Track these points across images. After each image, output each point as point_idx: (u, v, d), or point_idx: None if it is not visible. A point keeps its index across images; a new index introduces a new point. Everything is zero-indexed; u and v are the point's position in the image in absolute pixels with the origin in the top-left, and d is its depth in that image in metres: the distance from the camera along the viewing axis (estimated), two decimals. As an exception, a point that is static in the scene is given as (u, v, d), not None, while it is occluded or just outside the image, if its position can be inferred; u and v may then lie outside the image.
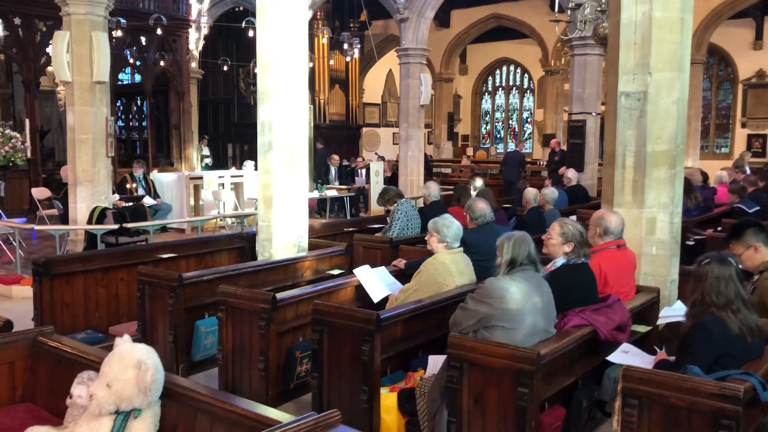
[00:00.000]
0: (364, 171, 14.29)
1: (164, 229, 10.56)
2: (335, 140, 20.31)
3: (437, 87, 22.47)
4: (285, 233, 6.63)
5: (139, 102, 19.23)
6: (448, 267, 4.63)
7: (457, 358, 3.36)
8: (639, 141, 4.72)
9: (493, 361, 3.26)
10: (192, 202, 12.23)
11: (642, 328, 4.44)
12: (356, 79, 21.11)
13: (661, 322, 4.15)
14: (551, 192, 7.67)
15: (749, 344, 3.14)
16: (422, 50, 13.89)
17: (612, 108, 4.87)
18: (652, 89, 4.65)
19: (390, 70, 23.35)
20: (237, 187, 12.89)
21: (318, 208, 13.38)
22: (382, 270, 5.27)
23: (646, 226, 4.76)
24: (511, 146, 25.73)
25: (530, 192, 7.53)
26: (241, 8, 18.07)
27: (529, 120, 25.09)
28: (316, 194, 11.95)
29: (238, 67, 19.75)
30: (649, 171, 4.71)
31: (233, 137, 20.62)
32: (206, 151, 18.92)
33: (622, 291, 4.36)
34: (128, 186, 11.54)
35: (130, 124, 20.00)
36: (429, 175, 20.12)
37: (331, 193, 12.62)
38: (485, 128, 26.66)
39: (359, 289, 5.15)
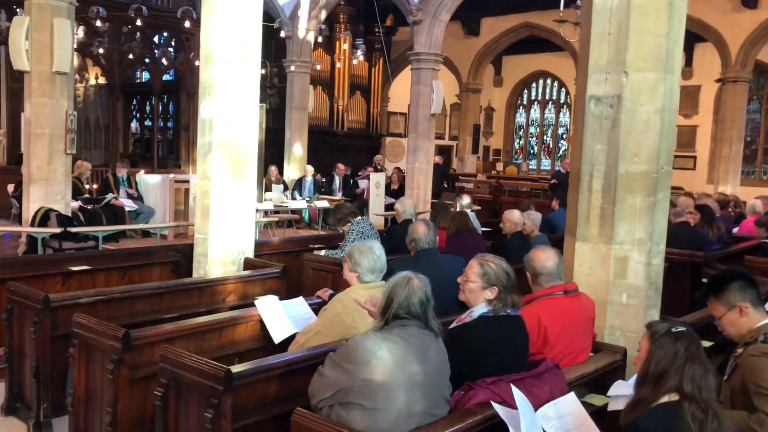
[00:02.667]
0: (366, 182, 13.37)
1: (124, 234, 9.74)
2: (352, 149, 19.48)
3: (464, 97, 21.50)
4: (223, 248, 5.81)
5: (154, 101, 18.74)
6: (359, 305, 3.68)
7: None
8: (610, 159, 3.70)
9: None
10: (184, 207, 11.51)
11: (598, 400, 3.42)
12: (379, 87, 20.25)
13: (611, 405, 3.12)
14: (536, 216, 6.64)
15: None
16: (435, 55, 12.96)
17: (581, 117, 3.87)
18: (628, 93, 3.64)
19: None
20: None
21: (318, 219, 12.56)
22: (297, 302, 4.36)
23: (614, 267, 3.73)
24: (546, 163, 24.68)
25: (514, 214, 6.51)
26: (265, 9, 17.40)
27: (564, 136, 23.86)
28: (303, 204, 11.07)
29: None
30: (621, 197, 3.69)
31: (248, 141, 19.93)
32: None
33: (570, 351, 3.36)
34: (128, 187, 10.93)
35: (145, 123, 19.54)
36: (452, 189, 19.15)
37: (322, 204, 11.73)
38: (518, 143, 25.53)
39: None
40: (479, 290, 3.00)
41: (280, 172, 15.00)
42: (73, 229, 7.34)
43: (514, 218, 6.53)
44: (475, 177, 19.26)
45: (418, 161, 13.03)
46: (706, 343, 4.50)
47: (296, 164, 15.10)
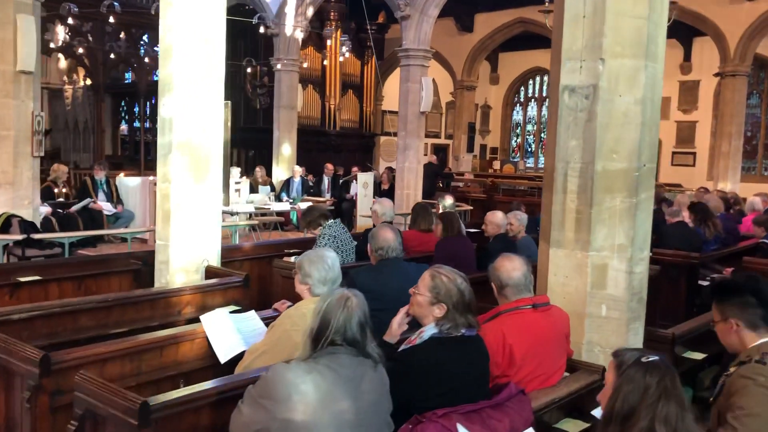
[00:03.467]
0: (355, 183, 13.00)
1: (102, 239, 9.37)
2: (346, 149, 19.11)
3: (458, 95, 21.11)
4: (186, 255, 5.44)
5: (143, 102, 18.38)
6: (309, 321, 3.31)
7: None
8: (585, 155, 3.33)
9: None
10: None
11: (573, 426, 3.05)
12: (372, 85, 19.86)
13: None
14: (522, 216, 6.26)
15: None
16: (424, 51, 12.58)
17: (555, 110, 3.49)
18: (604, 82, 3.26)
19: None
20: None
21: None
22: (249, 316, 3.99)
23: (592, 276, 3.36)
24: (543, 161, 24.25)
25: (496, 215, 6.13)
26: (249, 6, 17.06)
27: (561, 133, 23.44)
28: (286, 206, 10.70)
29: (245, 69, 18.74)
30: (599, 198, 3.31)
31: (239, 142, 19.56)
32: None
33: (540, 372, 2.98)
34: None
35: (134, 125, 19.20)
36: (448, 189, 18.77)
37: (306, 205, 11.32)
38: (516, 141, 25.15)
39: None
40: (427, 305, 2.64)
41: (269, 173, 14.65)
42: (36, 236, 6.98)
43: (496, 219, 6.15)
44: (484, 176, 18.85)
45: (407, 160, 12.66)
46: (699, 356, 4.15)
47: (285, 165, 14.74)
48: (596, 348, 3.39)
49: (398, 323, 2.82)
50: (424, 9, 12.43)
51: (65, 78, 20.60)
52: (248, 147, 19.14)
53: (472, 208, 13.77)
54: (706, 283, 6.80)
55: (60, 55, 16.77)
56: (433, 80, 23.51)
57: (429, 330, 2.61)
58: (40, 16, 8.21)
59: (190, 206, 5.43)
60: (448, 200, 7.17)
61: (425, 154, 22.86)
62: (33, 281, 5.19)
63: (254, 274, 5.92)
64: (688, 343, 4.00)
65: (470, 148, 21.77)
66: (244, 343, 3.71)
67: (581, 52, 3.32)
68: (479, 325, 2.68)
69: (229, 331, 3.78)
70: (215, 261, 5.59)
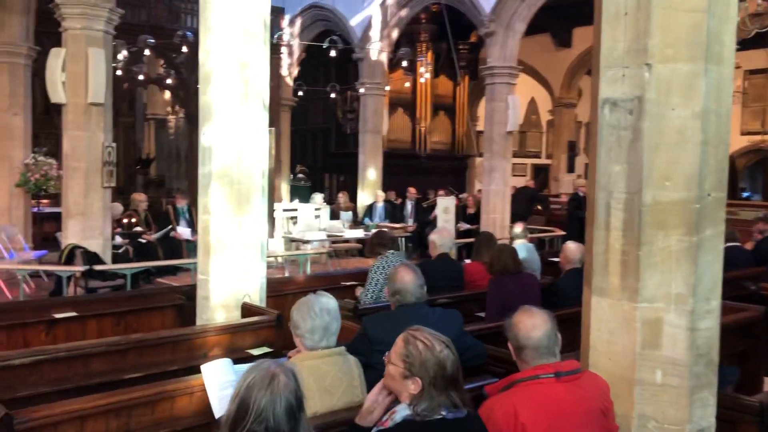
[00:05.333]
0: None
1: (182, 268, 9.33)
2: (437, 171, 18.64)
3: (557, 113, 20.17)
4: (226, 290, 5.19)
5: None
6: (302, 381, 2.85)
7: None
8: (631, 184, 2.69)
9: None
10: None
11: None
12: (465, 105, 19.32)
13: None
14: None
15: None
16: (510, 68, 11.95)
17: (595, 128, 2.88)
18: (652, 93, 2.63)
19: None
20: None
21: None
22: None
23: (642, 333, 2.69)
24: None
25: (569, 247, 5.43)
26: (338, 33, 17.05)
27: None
28: (360, 233, 10.30)
29: (337, 95, 18.73)
30: (649, 236, 2.66)
31: (330, 167, 19.57)
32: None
33: (566, 460, 2.37)
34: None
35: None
36: (545, 214, 17.85)
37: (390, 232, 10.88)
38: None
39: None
40: (400, 378, 2.11)
41: (354, 197, 14.41)
42: (98, 267, 6.95)
43: (568, 253, 5.46)
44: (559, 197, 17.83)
45: (494, 183, 12.01)
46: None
47: (370, 189, 14.45)
48: (651, 423, 2.71)
49: (371, 401, 2.30)
50: (509, 24, 11.83)
51: (169, 109, 21.48)
52: (339, 172, 19.09)
53: (565, 233, 12.86)
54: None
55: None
56: (533, 98, 22.84)
57: (402, 411, 2.08)
58: (111, 49, 8.34)
59: (230, 239, 5.17)
60: (517, 228, 6.48)
61: (524, 175, 22.07)
62: (71, 317, 5.06)
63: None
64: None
65: (570, 168, 20.69)
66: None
67: (623, 57, 2.70)
68: (468, 404, 2.12)
69: (229, 385, 3.38)
70: (257, 296, 5.29)
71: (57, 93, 7.85)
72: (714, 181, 2.68)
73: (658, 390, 2.69)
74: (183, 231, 10.44)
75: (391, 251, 5.54)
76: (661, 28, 2.61)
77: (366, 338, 3.25)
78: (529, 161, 23.18)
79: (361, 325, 3.42)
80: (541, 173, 23.49)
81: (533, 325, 2.47)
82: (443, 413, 2.05)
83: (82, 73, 7.86)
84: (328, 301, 2.96)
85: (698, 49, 2.60)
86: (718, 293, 2.77)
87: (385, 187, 15.07)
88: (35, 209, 10.53)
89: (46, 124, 13.77)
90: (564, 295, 5.31)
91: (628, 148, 2.70)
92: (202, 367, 3.51)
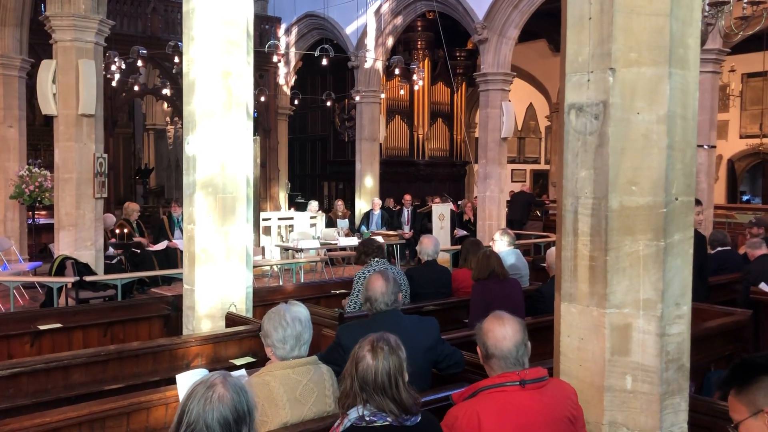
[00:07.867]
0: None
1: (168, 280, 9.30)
2: (435, 178, 18.64)
3: (554, 119, 20.17)
4: (212, 300, 5.21)
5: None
6: (272, 391, 2.84)
7: None
8: (598, 189, 2.68)
9: None
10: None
11: None
12: (462, 112, 19.33)
13: None
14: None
15: None
16: (504, 75, 11.96)
17: (561, 134, 2.88)
18: (616, 97, 2.62)
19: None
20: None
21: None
22: (237, 376, 3.55)
23: (612, 339, 2.67)
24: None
25: (554, 253, 5.40)
26: (335, 42, 17.08)
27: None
28: (353, 240, 10.28)
29: (334, 103, 18.77)
30: (616, 242, 2.64)
31: (329, 175, 19.59)
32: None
33: (531, 468, 2.35)
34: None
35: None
36: (542, 218, 17.85)
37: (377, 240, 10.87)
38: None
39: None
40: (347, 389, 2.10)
41: (350, 206, 14.42)
42: (88, 278, 6.95)
43: (553, 259, 5.43)
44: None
45: (488, 189, 12.00)
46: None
47: (367, 197, 14.46)
48: (621, 430, 2.68)
49: None
50: (502, 31, 11.84)
51: (167, 119, 21.54)
52: (337, 180, 19.10)
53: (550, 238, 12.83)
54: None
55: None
56: (530, 104, 22.85)
57: (352, 415, 2.07)
58: (102, 60, 8.36)
59: (215, 249, 5.18)
60: (505, 236, 6.39)
61: (524, 182, 22.07)
62: (56, 329, 5.06)
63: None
64: None
65: (569, 174, 20.63)
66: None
67: (588, 62, 2.69)
68: (417, 411, 2.10)
69: (203, 395, 3.37)
70: (242, 306, 5.28)
71: (48, 105, 7.87)
72: (681, 185, 2.67)
73: (629, 396, 2.67)
74: (179, 241, 10.44)
75: (376, 259, 5.51)
76: (624, 32, 2.60)
77: (340, 347, 3.24)
78: (528, 167, 23.19)
79: (336, 334, 3.40)
80: (540, 179, 23.49)
81: (503, 335, 2.45)
82: (388, 420, 2.03)
83: (73, 84, 7.88)
84: (299, 311, 2.94)
85: (662, 52, 2.59)
86: (689, 298, 2.74)
87: (385, 195, 15.09)
88: (31, 221, 10.54)
89: (46, 135, 13.80)
90: (549, 301, 5.27)
91: (594, 153, 2.69)
92: (178, 377, 3.49)
